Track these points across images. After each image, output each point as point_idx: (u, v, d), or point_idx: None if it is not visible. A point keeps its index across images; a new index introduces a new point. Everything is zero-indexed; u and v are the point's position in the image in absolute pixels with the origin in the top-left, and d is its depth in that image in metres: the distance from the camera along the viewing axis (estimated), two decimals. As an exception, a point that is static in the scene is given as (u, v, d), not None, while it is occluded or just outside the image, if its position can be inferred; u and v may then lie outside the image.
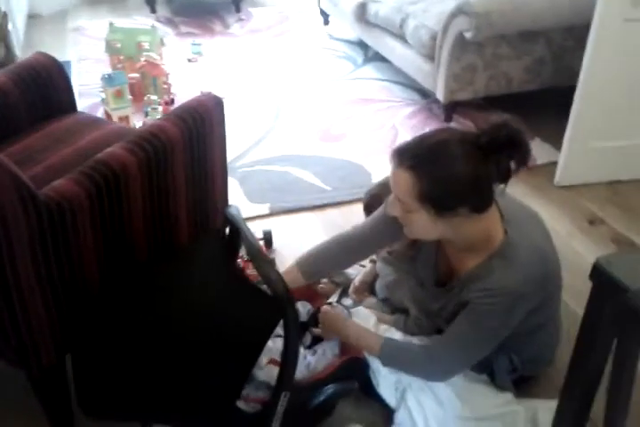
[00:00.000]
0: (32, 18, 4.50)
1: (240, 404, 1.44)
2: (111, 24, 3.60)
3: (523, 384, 1.67)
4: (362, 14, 3.47)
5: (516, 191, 2.64)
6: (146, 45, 3.52)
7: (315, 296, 1.82)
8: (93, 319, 1.49)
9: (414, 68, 3.14)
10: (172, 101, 3.39)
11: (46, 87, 2.04)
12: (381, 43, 3.44)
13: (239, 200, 2.54)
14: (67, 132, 1.94)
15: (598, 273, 0.90)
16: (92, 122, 2.04)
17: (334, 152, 2.86)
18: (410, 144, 1.32)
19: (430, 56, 2.92)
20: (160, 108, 3.22)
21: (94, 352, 1.44)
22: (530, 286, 1.36)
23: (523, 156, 1.25)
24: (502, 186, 1.31)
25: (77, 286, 1.51)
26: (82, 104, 3.33)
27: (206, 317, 1.40)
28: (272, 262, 1.39)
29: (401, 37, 3.17)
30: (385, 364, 1.52)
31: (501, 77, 2.90)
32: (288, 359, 1.33)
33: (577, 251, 2.27)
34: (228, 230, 1.68)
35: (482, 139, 1.26)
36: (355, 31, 3.87)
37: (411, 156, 1.28)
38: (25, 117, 2.01)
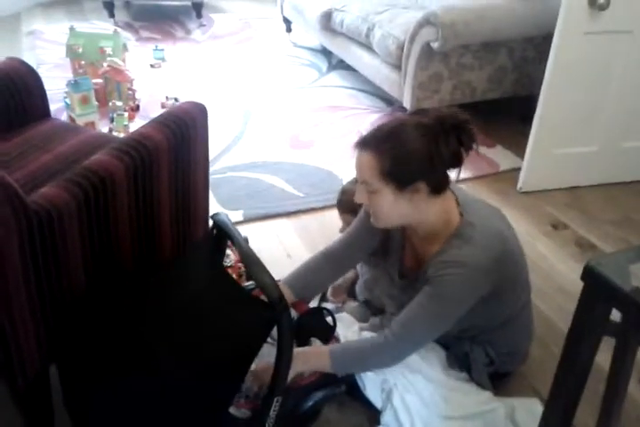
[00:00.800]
0: (-17, 21, 4.39)
1: (231, 409, 1.45)
2: (72, 28, 3.54)
3: (498, 382, 1.73)
4: (327, 23, 3.52)
5: (481, 196, 2.73)
6: (108, 50, 3.48)
7: (298, 302, 1.84)
8: (79, 328, 1.47)
9: (381, 77, 3.21)
10: (138, 107, 3.36)
11: (20, 93, 2.00)
12: (347, 51, 3.50)
13: (213, 207, 2.53)
14: (44, 139, 1.91)
15: (590, 274, 0.95)
16: (68, 128, 2.02)
17: (304, 158, 2.89)
18: (369, 132, 1.46)
19: (397, 65, 2.99)
20: (126, 114, 3.19)
21: (79, 363, 1.42)
22: (487, 260, 1.42)
23: (469, 139, 1.40)
24: (457, 170, 1.45)
25: (64, 294, 1.50)
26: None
27: (197, 324, 1.40)
28: (265, 268, 1.40)
29: (367, 46, 3.23)
30: (340, 371, 1.55)
31: (465, 86, 2.99)
32: (281, 365, 1.34)
33: (543, 254, 2.36)
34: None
35: (432, 122, 1.40)
36: (319, 39, 3.92)
37: (371, 139, 1.43)
38: (1, 123, 1.97)
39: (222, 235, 1.54)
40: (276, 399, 1.36)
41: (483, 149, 3.02)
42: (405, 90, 2.98)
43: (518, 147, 2.80)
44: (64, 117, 3.14)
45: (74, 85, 2.95)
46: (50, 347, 1.50)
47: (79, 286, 1.53)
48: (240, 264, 2.06)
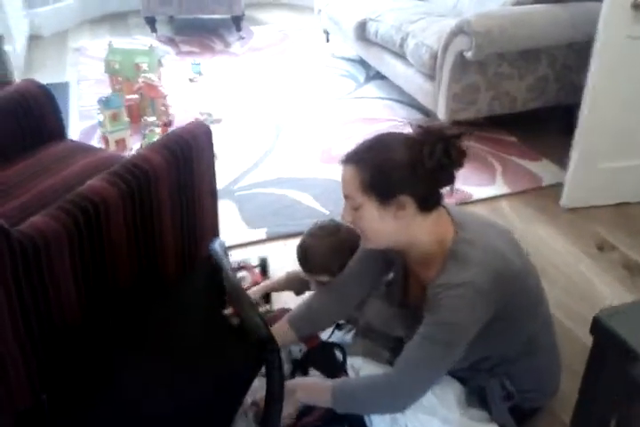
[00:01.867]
0: (34, 39, 4.50)
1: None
2: (110, 44, 3.57)
3: (525, 419, 1.58)
4: (362, 33, 3.42)
5: (522, 213, 2.59)
6: (144, 66, 3.48)
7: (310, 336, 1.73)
8: (69, 360, 1.42)
9: (415, 87, 3.08)
10: (171, 123, 3.34)
11: (34, 115, 1.99)
12: (382, 61, 3.39)
13: (237, 225, 2.48)
14: (54, 161, 1.89)
15: (599, 328, 0.81)
16: (81, 149, 1.99)
17: (334, 174, 2.78)
18: (354, 146, 1.40)
19: (431, 75, 2.86)
20: (158, 130, 3.18)
21: (71, 395, 1.37)
22: (485, 278, 1.31)
23: (458, 155, 1.32)
24: (449, 188, 1.37)
25: (55, 322, 1.45)
26: (82, 126, 3.31)
27: (186, 359, 1.33)
28: (255, 305, 1.32)
29: (401, 56, 3.12)
30: (341, 410, 1.43)
31: (504, 97, 2.83)
32: (271, 408, 1.25)
33: (586, 277, 2.18)
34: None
35: (417, 134, 1.34)
36: (355, 50, 3.82)
37: (353, 152, 1.37)
38: (12, 145, 1.97)
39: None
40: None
41: (524, 162, 2.85)
42: (440, 101, 2.84)
43: (563, 160, 2.61)
44: (97, 134, 3.15)
45: (105, 102, 2.96)
46: (42, 379, 1.46)
47: (73, 315, 1.48)
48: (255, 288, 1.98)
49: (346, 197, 1.37)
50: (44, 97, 2.01)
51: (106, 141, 3.05)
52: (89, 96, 3.61)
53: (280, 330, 1.54)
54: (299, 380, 1.53)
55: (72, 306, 1.47)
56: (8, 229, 1.28)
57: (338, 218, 1.55)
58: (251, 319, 1.25)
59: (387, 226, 1.35)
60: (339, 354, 1.61)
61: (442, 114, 2.86)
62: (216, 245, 1.47)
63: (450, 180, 1.34)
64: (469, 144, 2.98)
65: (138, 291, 1.63)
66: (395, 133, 1.41)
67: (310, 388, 1.46)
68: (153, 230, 1.62)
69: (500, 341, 1.43)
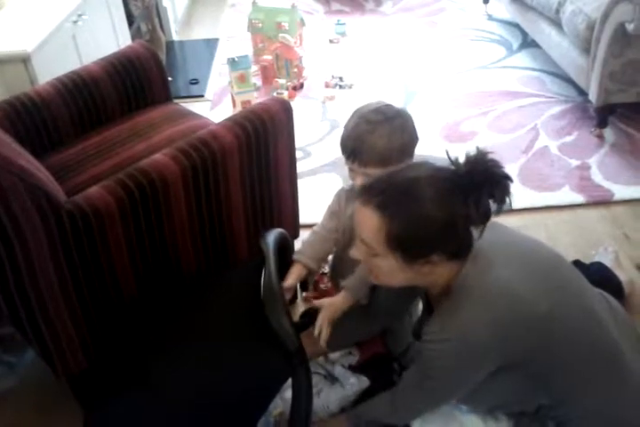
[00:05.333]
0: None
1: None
2: (254, 2, 3.54)
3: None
4: (518, -5, 3.04)
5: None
6: (285, 26, 3.41)
7: (371, 343, 1.60)
8: (123, 329, 1.43)
9: (568, 61, 2.69)
10: (302, 86, 3.26)
11: (140, 77, 2.01)
12: (537, 28, 3.00)
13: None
14: (147, 126, 1.89)
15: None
16: (179, 115, 1.98)
17: (456, 154, 2.54)
18: (378, 181, 1.15)
19: (586, 48, 2.46)
20: (286, 93, 3.12)
21: (111, 371, 1.38)
22: (475, 334, 1.11)
23: (502, 193, 1.08)
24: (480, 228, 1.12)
25: (110, 296, 1.46)
26: (219, 84, 3.34)
27: (222, 354, 1.27)
28: (289, 311, 1.21)
29: (557, 24, 2.72)
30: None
31: (675, 78, 2.36)
32: (296, 423, 1.16)
33: None
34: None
35: (458, 176, 1.09)
36: (510, 13, 3.43)
37: (378, 193, 1.11)
38: (117, 107, 2.01)
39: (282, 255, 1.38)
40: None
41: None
42: (593, 79, 2.45)
43: None
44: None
45: (232, 63, 2.95)
46: (95, 346, 1.49)
47: (129, 288, 1.48)
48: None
49: (362, 241, 1.15)
50: (152, 60, 2.01)
51: (234, 102, 3.06)
52: (232, 54, 3.62)
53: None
54: None
55: (128, 281, 1.48)
56: (59, 200, 1.29)
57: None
58: (279, 325, 1.16)
59: (405, 276, 1.16)
60: (396, 367, 1.48)
61: (593, 95, 2.47)
62: (268, 237, 1.37)
63: (487, 220, 1.10)
64: (628, 131, 2.55)
65: (205, 274, 1.60)
66: (429, 169, 1.13)
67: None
68: (220, 212, 1.57)
69: (534, 384, 1.20)
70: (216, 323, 1.33)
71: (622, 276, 1.80)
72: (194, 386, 1.22)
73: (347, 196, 1.56)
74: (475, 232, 1.12)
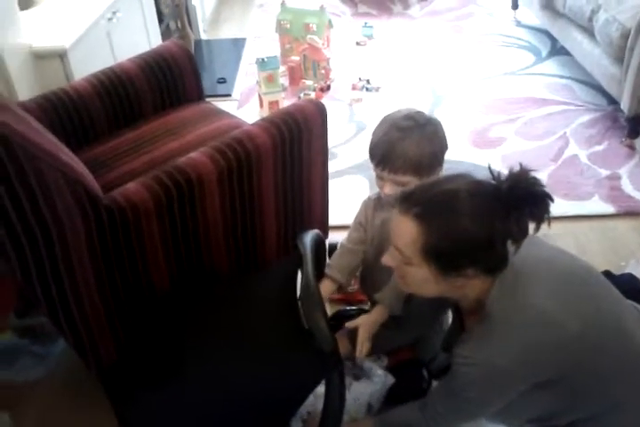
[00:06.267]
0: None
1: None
2: (282, 4, 3.54)
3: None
4: (549, 1, 3.02)
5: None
6: (313, 27, 3.42)
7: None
8: (149, 329, 1.44)
9: (599, 70, 2.67)
10: (328, 88, 3.27)
11: (173, 75, 2.02)
12: (568, 36, 2.98)
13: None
14: (181, 124, 1.90)
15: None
16: (212, 114, 1.98)
17: (484, 160, 2.53)
18: (418, 189, 1.14)
19: (619, 57, 2.44)
20: (313, 95, 3.13)
21: (140, 366, 1.39)
22: (507, 359, 1.11)
23: (542, 211, 1.07)
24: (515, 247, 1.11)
25: (142, 289, 1.47)
26: (247, 83, 3.35)
27: (255, 352, 1.27)
28: (325, 312, 1.21)
29: (589, 32, 2.70)
30: None
31: None
32: (327, 423, 1.16)
33: None
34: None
35: (500, 191, 1.08)
36: (540, 19, 3.41)
37: (419, 202, 1.10)
38: (151, 104, 2.02)
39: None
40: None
41: None
42: (625, 89, 2.43)
43: None
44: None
45: (261, 64, 2.96)
46: (127, 339, 1.50)
47: (162, 284, 1.49)
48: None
49: (396, 248, 1.15)
50: (185, 58, 2.02)
51: (261, 102, 3.07)
52: (260, 54, 3.63)
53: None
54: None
55: (161, 275, 1.49)
56: (98, 195, 1.30)
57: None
58: (317, 325, 1.16)
59: (437, 287, 1.16)
60: (425, 374, 1.47)
61: (625, 105, 2.45)
62: (306, 237, 1.37)
63: (524, 236, 1.09)
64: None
65: (235, 273, 1.61)
66: (470, 182, 1.12)
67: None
68: (253, 212, 1.57)
69: (567, 401, 1.19)
70: (248, 320, 1.33)
71: (654, 287, 1.79)
72: (227, 382, 1.22)
73: (374, 205, 1.56)
74: (511, 248, 1.11)
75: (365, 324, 1.45)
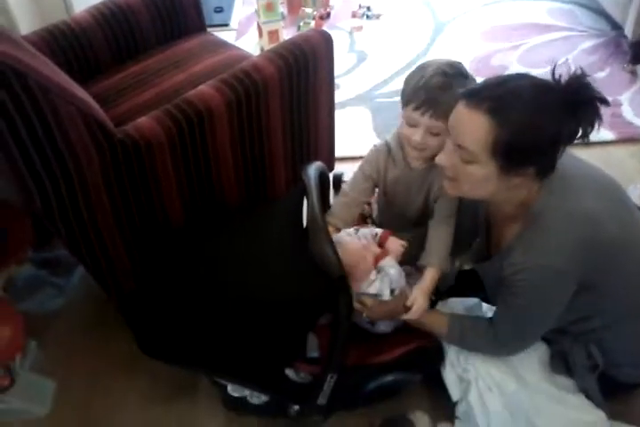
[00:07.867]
0: None
1: (290, 372, 1.39)
2: None
3: (620, 392, 1.45)
4: None
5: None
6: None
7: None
8: (165, 258, 1.50)
9: (604, -7, 2.62)
10: (328, 15, 3.20)
11: (175, 7, 1.98)
12: (574, -43, 2.89)
13: (366, 134, 2.38)
14: (186, 56, 1.90)
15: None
16: (215, 46, 1.97)
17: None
18: (486, 84, 1.12)
19: (625, -21, 2.39)
20: (312, 23, 3.07)
21: (158, 292, 1.45)
22: (567, 257, 1.16)
23: (599, 115, 1.10)
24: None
25: (158, 221, 1.52)
26: (244, 12, 3.27)
27: (270, 274, 1.33)
28: (332, 241, 1.24)
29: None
30: (449, 342, 1.42)
31: None
32: (337, 346, 1.24)
33: None
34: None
35: (569, 92, 1.09)
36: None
37: (490, 97, 1.09)
38: (153, 36, 2.00)
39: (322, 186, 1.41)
40: (330, 376, 1.28)
41: None
42: (630, 12, 2.39)
43: None
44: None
45: (259, -9, 2.87)
46: (144, 268, 1.57)
47: (176, 215, 1.55)
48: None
49: (459, 146, 1.14)
50: (186, -12, 1.97)
51: (260, 31, 3.01)
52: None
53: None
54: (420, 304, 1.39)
55: (175, 208, 1.54)
56: (112, 129, 1.33)
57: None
58: (322, 253, 1.20)
59: (491, 186, 1.17)
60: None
61: (629, 29, 2.43)
62: (310, 170, 1.40)
63: (572, 140, 1.13)
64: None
65: (245, 202, 1.65)
66: (537, 81, 1.11)
67: (428, 315, 1.41)
68: (262, 143, 1.60)
69: (591, 306, 1.28)
70: (261, 249, 1.38)
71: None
72: (243, 305, 1.28)
73: (385, 159, 1.49)
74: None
75: (423, 296, 1.39)
